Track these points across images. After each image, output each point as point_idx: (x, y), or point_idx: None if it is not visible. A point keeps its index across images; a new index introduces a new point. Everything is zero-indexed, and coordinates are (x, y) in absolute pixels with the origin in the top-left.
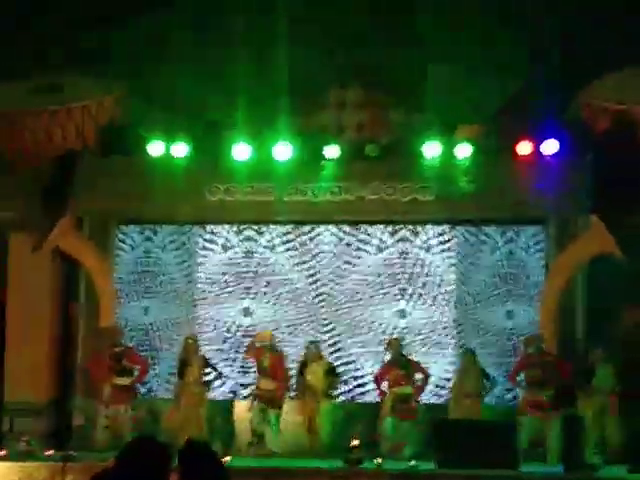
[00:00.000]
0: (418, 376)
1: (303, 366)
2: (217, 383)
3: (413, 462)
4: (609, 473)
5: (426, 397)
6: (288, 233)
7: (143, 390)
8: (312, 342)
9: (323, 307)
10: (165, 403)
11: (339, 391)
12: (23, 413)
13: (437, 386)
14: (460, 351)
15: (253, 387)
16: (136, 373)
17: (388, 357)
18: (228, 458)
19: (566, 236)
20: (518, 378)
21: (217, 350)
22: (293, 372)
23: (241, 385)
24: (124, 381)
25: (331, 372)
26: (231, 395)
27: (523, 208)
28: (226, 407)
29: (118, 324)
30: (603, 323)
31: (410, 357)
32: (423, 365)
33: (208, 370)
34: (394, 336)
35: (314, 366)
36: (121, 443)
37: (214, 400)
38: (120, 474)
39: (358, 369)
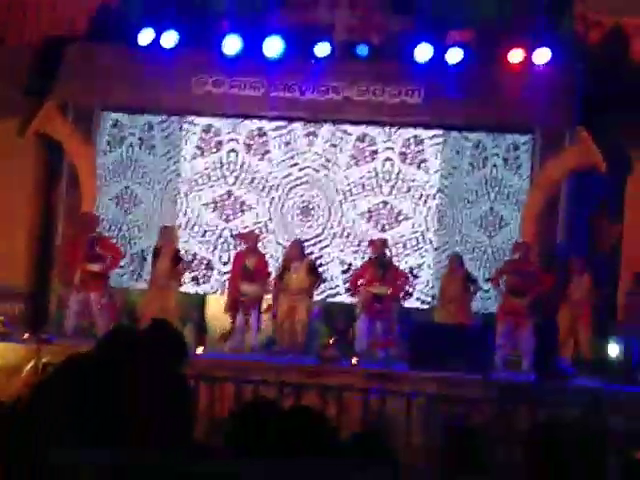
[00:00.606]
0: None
1: (286, 264)
2: (188, 275)
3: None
4: (579, 382)
5: (410, 302)
6: (275, 130)
7: (119, 279)
8: (295, 241)
9: (305, 209)
10: (142, 294)
11: (319, 290)
12: (1, 296)
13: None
14: (445, 255)
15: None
16: (108, 261)
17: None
18: (200, 349)
19: (553, 146)
20: (499, 282)
21: (199, 244)
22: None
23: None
24: (96, 267)
25: (313, 270)
26: (204, 290)
27: (511, 116)
28: (199, 301)
29: (96, 211)
30: (584, 235)
31: (391, 259)
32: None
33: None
34: (378, 237)
35: (297, 264)
36: (91, 330)
37: (187, 293)
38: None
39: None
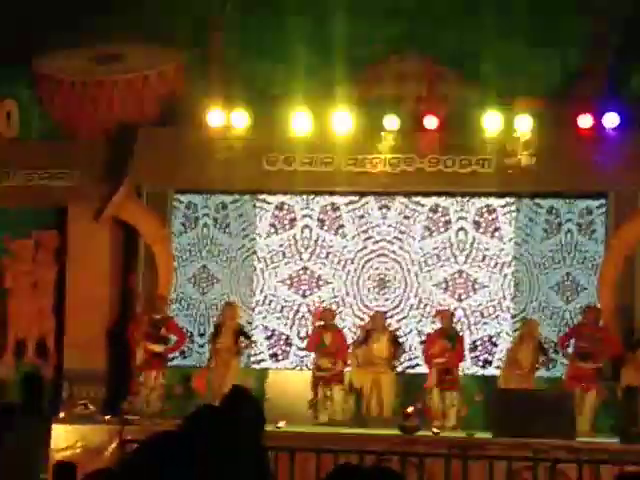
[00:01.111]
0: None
1: (367, 336)
2: (250, 351)
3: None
4: None
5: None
6: (349, 204)
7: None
8: (378, 312)
9: (381, 282)
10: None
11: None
12: (82, 380)
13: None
14: (521, 321)
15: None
16: (172, 343)
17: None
18: (283, 423)
19: (627, 209)
20: (568, 345)
21: (277, 319)
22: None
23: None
24: (158, 348)
25: (395, 341)
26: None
27: (583, 182)
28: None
29: (173, 292)
30: None
31: (459, 332)
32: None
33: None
34: (445, 308)
35: (379, 335)
36: (151, 409)
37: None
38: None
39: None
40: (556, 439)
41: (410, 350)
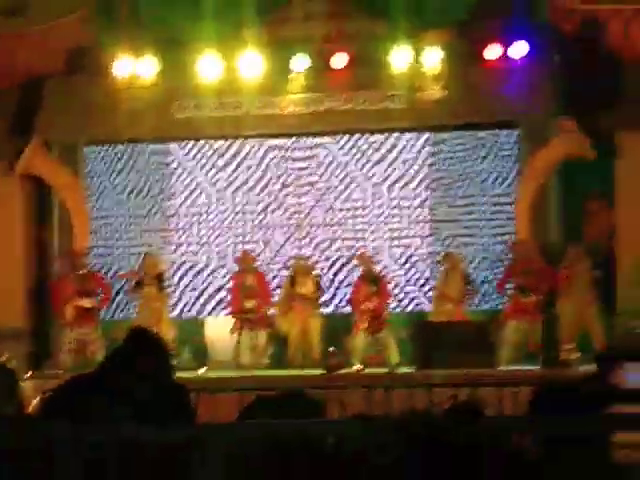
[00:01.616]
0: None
1: (292, 280)
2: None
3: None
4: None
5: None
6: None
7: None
8: (299, 257)
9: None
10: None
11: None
12: (1, 338)
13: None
14: (443, 255)
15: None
16: (100, 297)
17: (359, 272)
18: (204, 369)
19: (538, 139)
20: (506, 286)
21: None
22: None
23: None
24: (87, 303)
25: (319, 284)
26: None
27: (494, 112)
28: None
29: (84, 247)
30: (577, 225)
31: (381, 274)
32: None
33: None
34: (364, 251)
35: (304, 279)
36: (88, 365)
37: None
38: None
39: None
40: (477, 369)
41: (336, 292)
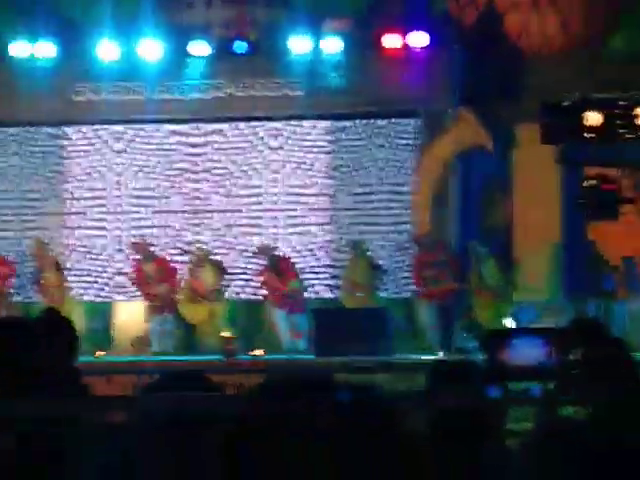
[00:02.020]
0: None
1: (191, 269)
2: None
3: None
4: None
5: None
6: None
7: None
8: (198, 247)
9: (197, 212)
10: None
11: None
12: None
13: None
14: (348, 243)
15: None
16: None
17: (264, 262)
18: (102, 352)
19: (437, 129)
20: (422, 280)
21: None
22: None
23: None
24: None
25: (222, 271)
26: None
27: (393, 101)
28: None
29: None
30: (476, 216)
31: (281, 258)
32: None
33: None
34: (263, 242)
35: (203, 266)
36: None
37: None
38: None
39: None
40: (374, 356)
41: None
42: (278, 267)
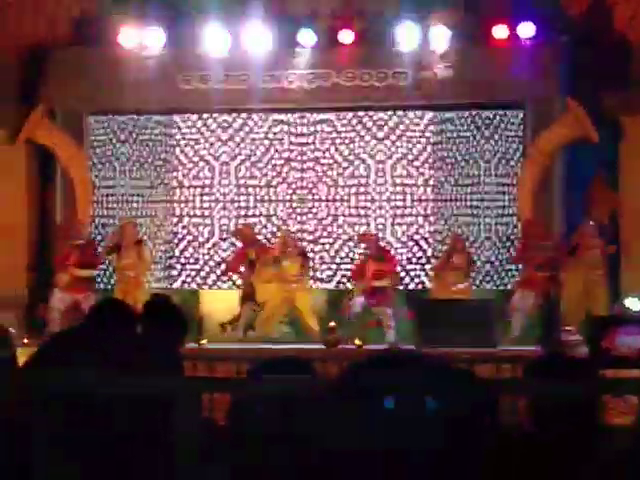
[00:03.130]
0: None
1: (276, 260)
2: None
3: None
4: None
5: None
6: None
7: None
8: (286, 231)
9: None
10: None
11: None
12: (2, 306)
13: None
14: (447, 235)
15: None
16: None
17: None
18: (204, 341)
19: (543, 120)
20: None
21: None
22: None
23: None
24: (85, 273)
25: (305, 258)
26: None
27: (500, 92)
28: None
29: (86, 217)
30: (581, 206)
31: (385, 248)
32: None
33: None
34: (367, 230)
35: (291, 253)
36: None
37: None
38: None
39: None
40: (477, 348)
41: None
42: (380, 256)
